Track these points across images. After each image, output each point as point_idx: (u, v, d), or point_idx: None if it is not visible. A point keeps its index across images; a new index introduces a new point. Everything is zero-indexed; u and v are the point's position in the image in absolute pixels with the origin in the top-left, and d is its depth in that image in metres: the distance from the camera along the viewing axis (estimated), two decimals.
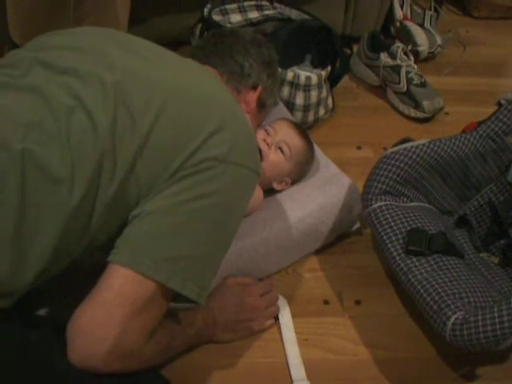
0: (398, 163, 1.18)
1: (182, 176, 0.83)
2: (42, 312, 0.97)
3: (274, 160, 1.21)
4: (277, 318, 1.12)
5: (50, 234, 0.77)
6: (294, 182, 1.27)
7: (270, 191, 1.23)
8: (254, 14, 1.60)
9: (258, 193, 1.18)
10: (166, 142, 0.84)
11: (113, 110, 0.82)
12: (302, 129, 1.31)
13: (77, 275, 0.89)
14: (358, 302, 1.18)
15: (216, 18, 1.55)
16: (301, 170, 1.27)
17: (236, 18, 1.57)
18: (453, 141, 1.24)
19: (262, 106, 1.12)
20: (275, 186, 1.24)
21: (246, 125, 0.93)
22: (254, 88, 1.09)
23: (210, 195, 0.84)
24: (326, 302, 1.18)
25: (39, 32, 1.01)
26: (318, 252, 1.27)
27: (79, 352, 0.77)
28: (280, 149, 1.22)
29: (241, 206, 0.91)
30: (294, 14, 1.63)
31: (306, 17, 1.60)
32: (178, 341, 0.96)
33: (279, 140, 1.22)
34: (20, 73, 0.86)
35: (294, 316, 1.12)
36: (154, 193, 0.82)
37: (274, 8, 1.63)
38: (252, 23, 1.55)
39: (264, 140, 1.20)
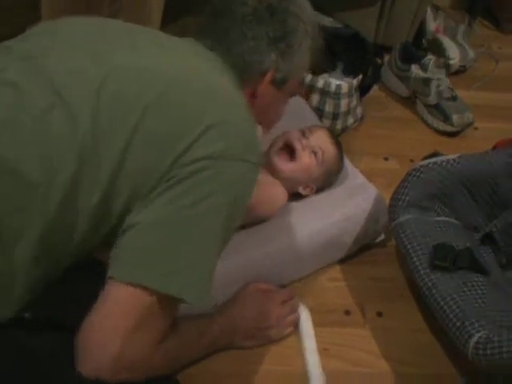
0: (426, 177, 1.17)
1: (177, 180, 0.78)
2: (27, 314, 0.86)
3: (307, 162, 1.20)
4: (296, 326, 1.11)
5: (30, 239, 0.75)
6: (318, 190, 1.26)
7: (295, 197, 1.23)
8: None
9: (283, 194, 1.18)
10: (158, 134, 0.79)
11: (96, 104, 0.77)
12: (337, 139, 1.30)
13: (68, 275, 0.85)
14: (379, 315, 1.17)
15: None
16: (328, 179, 1.26)
17: None
18: (483, 157, 1.22)
19: (280, 83, 0.97)
20: (300, 190, 1.23)
21: (246, 115, 0.88)
22: (264, 74, 0.94)
23: (210, 196, 0.80)
24: (347, 313, 1.16)
25: None
26: (340, 262, 1.26)
27: (90, 365, 0.76)
28: (314, 153, 1.21)
29: (243, 201, 0.86)
30: (327, 21, 1.63)
31: (340, 25, 1.60)
32: (191, 350, 0.95)
33: (314, 144, 1.22)
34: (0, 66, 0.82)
35: (314, 325, 1.11)
36: (149, 199, 0.78)
37: None
38: None
39: (299, 140, 1.20)
